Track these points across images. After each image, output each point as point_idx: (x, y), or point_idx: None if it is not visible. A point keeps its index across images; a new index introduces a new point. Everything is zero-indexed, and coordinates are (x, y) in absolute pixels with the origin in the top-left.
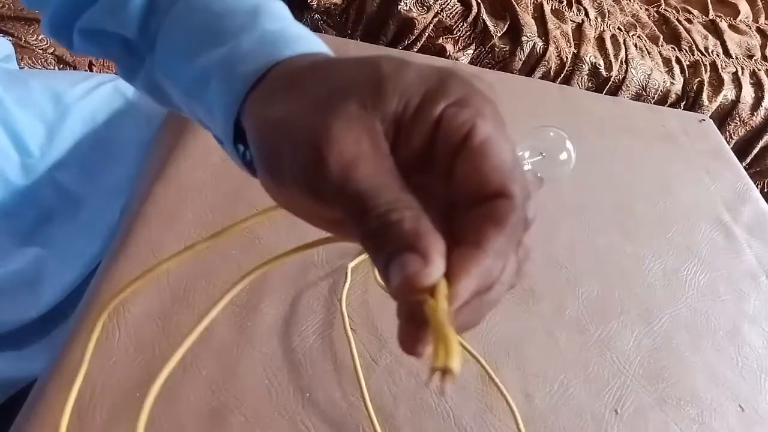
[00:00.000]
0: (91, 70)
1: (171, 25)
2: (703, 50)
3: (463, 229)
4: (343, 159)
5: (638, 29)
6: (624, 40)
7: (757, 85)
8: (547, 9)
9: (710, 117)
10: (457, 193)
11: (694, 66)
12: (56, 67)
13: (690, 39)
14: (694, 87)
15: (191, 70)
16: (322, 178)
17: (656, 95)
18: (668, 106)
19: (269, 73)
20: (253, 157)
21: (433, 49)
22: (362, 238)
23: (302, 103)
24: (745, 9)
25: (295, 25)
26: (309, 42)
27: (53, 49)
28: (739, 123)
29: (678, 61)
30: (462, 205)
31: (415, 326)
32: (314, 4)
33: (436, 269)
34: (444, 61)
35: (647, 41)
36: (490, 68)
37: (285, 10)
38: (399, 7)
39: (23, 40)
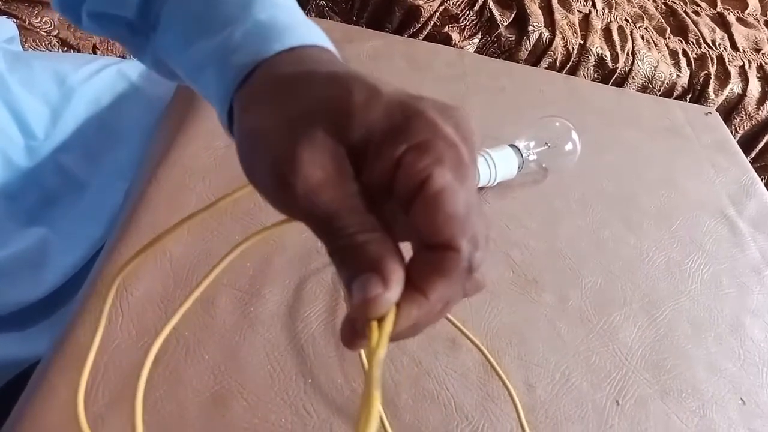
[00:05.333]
0: (95, 53)
1: (170, 9)
2: (710, 43)
3: (413, 267)
4: (309, 184)
5: (645, 21)
6: (631, 32)
7: (764, 79)
8: None
9: (716, 110)
10: (414, 230)
11: (701, 59)
12: (60, 50)
13: (697, 32)
14: (701, 80)
15: (188, 58)
16: (290, 200)
17: (662, 87)
18: (674, 99)
19: (256, 72)
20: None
21: (439, 37)
22: (329, 252)
23: (275, 119)
24: (753, 2)
25: (288, 11)
26: (301, 32)
27: (57, 31)
28: (744, 117)
29: (685, 53)
30: (419, 240)
31: (355, 334)
32: None
33: (393, 295)
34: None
35: (654, 33)
36: (495, 57)
37: None
38: None
39: (27, 22)
